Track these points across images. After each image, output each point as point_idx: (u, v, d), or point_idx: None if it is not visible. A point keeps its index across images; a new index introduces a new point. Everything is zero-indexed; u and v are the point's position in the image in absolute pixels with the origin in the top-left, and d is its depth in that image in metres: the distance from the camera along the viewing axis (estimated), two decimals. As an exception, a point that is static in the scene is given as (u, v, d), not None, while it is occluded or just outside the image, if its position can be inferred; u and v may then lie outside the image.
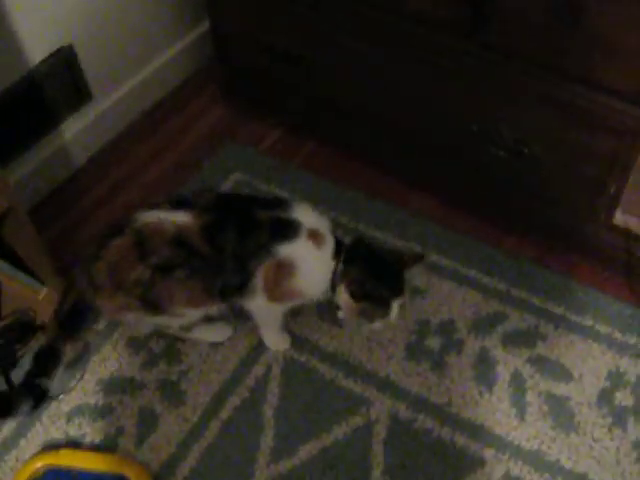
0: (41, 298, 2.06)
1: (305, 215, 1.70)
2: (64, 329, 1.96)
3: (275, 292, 1.71)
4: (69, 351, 1.98)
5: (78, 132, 2.38)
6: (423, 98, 2.01)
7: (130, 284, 1.67)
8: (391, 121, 2.14)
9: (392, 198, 2.28)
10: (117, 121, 2.51)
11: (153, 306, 1.74)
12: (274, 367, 1.92)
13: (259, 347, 1.96)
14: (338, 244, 1.72)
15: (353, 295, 1.66)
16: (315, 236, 1.67)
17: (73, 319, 2.01)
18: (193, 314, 1.81)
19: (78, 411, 1.88)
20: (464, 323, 1.98)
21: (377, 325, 1.72)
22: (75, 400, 1.89)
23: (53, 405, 1.89)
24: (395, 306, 1.67)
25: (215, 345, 1.97)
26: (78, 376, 1.93)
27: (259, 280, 1.69)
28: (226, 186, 2.34)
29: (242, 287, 1.71)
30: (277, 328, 1.93)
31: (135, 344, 1.99)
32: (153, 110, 2.61)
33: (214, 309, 1.81)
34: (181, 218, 1.65)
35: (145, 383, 1.92)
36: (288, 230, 1.65)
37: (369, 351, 1.94)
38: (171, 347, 1.97)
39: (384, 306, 1.67)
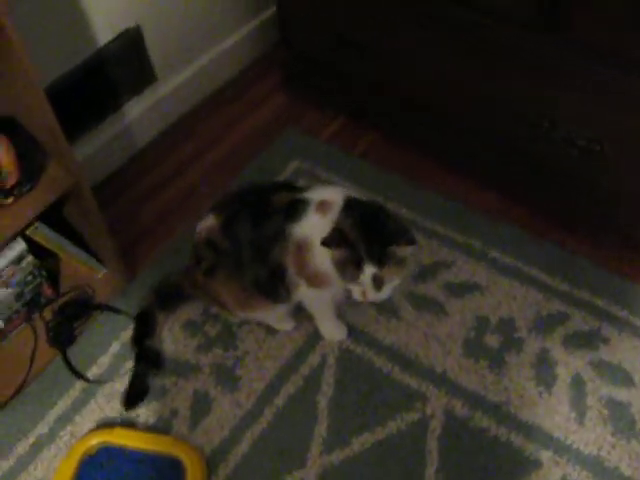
0: (100, 277, 2.07)
1: (319, 191, 1.68)
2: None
3: (308, 275, 1.67)
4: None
5: (141, 113, 2.39)
6: (490, 92, 1.96)
7: (200, 290, 1.85)
8: (456, 115, 2.10)
9: (453, 192, 2.24)
10: (179, 104, 2.51)
11: (225, 308, 1.85)
12: (329, 357, 1.91)
13: (315, 336, 1.94)
14: (348, 205, 1.61)
15: (325, 240, 1.53)
16: (322, 206, 1.62)
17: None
18: (264, 315, 1.88)
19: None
20: (524, 322, 1.94)
21: (354, 290, 1.59)
22: (125, 380, 1.90)
23: (108, 384, 1.90)
24: (367, 273, 1.53)
25: (272, 332, 1.95)
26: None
27: (291, 267, 1.68)
28: (285, 174, 2.33)
29: (278, 279, 1.70)
30: (331, 317, 1.90)
31: (191, 327, 1.99)
32: (215, 94, 2.61)
33: (280, 309, 1.83)
34: (210, 221, 1.74)
35: (200, 367, 1.92)
36: (299, 209, 1.63)
37: (426, 346, 1.91)
38: (227, 331, 1.97)
39: (356, 264, 1.53)
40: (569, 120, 1.84)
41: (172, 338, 1.97)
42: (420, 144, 2.32)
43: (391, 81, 2.19)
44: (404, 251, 1.56)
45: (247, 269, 1.70)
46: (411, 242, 1.55)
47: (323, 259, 1.61)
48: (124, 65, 2.25)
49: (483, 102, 2.00)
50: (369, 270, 1.53)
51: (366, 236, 1.53)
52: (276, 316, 1.90)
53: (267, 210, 1.67)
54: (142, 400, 1.84)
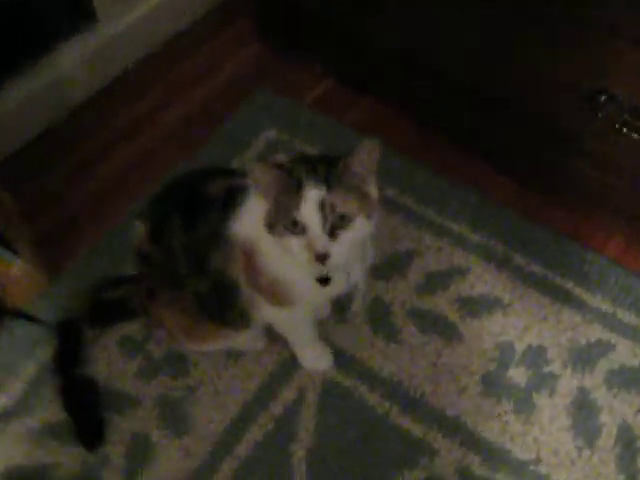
0: (14, 274, 1.60)
1: None
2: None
3: (265, 288, 1.25)
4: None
5: (77, 61, 1.93)
6: (524, 60, 1.53)
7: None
8: (474, 88, 1.66)
9: (462, 177, 1.80)
10: (125, 53, 2.04)
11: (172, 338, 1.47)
12: (309, 392, 1.48)
13: (291, 363, 1.51)
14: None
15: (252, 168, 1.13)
16: None
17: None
18: (221, 346, 1.47)
19: (49, 431, 1.45)
20: (558, 352, 1.53)
21: (294, 245, 1.11)
22: (45, 415, 1.46)
23: (17, 420, 1.44)
24: (311, 197, 1.08)
25: (234, 355, 1.51)
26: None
27: (241, 279, 1.26)
28: (256, 146, 1.87)
29: (226, 297, 1.29)
30: (311, 342, 1.48)
31: (130, 345, 1.55)
32: (170, 43, 2.13)
33: (239, 337, 1.41)
34: (138, 230, 1.34)
35: (140, 399, 1.48)
36: (239, 199, 1.22)
37: (435, 380, 1.49)
38: (176, 353, 1.52)
39: (295, 192, 1.09)
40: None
41: (104, 358, 1.52)
42: (427, 118, 1.87)
43: (400, 41, 1.74)
44: (360, 167, 1.12)
45: (185, 286, 1.30)
46: (360, 148, 1.10)
47: (280, 260, 1.18)
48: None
49: (512, 71, 1.56)
50: (312, 193, 1.08)
51: (307, 159, 1.17)
52: (238, 342, 1.45)
53: (201, 205, 1.26)
54: (102, 434, 1.44)
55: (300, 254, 1.11)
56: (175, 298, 1.33)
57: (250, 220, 1.19)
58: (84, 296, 1.53)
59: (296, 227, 1.09)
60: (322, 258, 1.09)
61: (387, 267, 1.63)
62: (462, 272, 1.64)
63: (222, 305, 1.30)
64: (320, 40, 1.95)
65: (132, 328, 1.56)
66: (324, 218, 1.08)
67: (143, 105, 1.98)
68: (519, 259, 1.66)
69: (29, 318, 1.58)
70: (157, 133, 1.92)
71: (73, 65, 1.90)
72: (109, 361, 1.53)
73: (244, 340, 1.44)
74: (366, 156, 1.10)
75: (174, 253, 1.26)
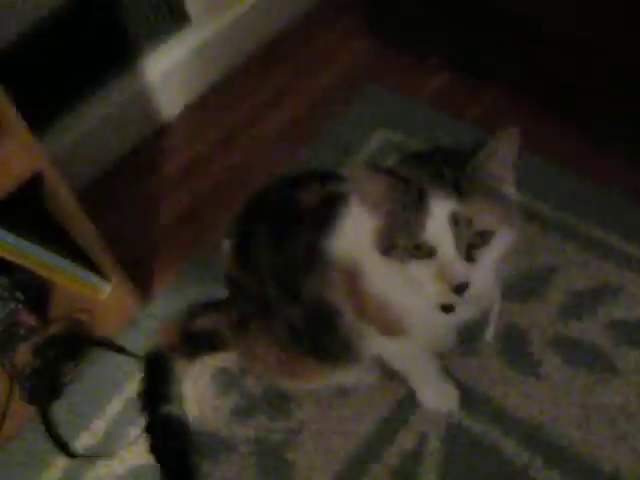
0: (103, 299, 1.46)
1: None
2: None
3: (372, 316, 1.02)
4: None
5: (167, 71, 1.78)
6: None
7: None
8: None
9: (610, 177, 1.51)
10: (221, 56, 1.89)
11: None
12: (431, 438, 1.24)
13: (410, 401, 1.28)
14: None
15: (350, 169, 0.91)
16: None
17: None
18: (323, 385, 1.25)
19: (131, 475, 1.29)
20: None
21: (422, 274, 0.88)
22: (129, 459, 1.29)
23: (102, 462, 1.29)
24: (440, 213, 0.84)
25: (343, 392, 1.29)
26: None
27: (343, 306, 1.04)
28: (368, 148, 1.66)
29: (325, 327, 1.07)
30: (432, 378, 1.25)
31: (225, 380, 1.37)
32: (272, 43, 1.96)
33: (345, 375, 1.20)
34: (226, 249, 1.17)
35: (234, 443, 1.29)
36: (338, 211, 1.00)
37: (585, 424, 1.22)
38: (276, 389, 1.32)
39: (415, 206, 0.85)
40: None
41: (196, 395, 1.34)
42: (563, 110, 1.59)
43: (523, 18, 1.48)
44: (497, 164, 0.88)
45: (276, 314, 1.10)
46: (496, 139, 0.86)
47: (390, 281, 0.95)
48: (142, 3, 1.64)
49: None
50: (441, 205, 0.85)
51: (425, 159, 0.92)
52: (342, 380, 1.23)
53: (292, 218, 1.05)
54: None
55: (429, 284, 0.88)
56: (267, 328, 1.13)
57: (352, 235, 0.98)
58: (174, 325, 1.36)
59: (422, 250, 0.86)
60: (461, 289, 0.86)
61: (523, 286, 1.37)
62: (614, 291, 1.35)
63: (320, 336, 1.09)
64: (432, 27, 1.72)
65: (228, 360, 1.38)
66: (459, 237, 0.85)
67: (241, 111, 1.81)
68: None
69: (118, 350, 1.43)
70: (257, 140, 1.75)
71: (161, 76, 1.76)
72: (201, 398, 1.35)
73: (350, 377, 1.22)
74: (504, 150, 0.87)
75: (262, 275, 1.07)
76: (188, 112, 1.84)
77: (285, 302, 1.07)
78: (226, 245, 1.15)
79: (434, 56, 1.78)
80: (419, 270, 0.88)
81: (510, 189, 0.91)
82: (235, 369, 1.37)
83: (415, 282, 0.90)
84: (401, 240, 0.87)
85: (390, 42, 1.85)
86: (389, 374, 1.25)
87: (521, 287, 1.37)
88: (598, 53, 1.45)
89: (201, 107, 1.84)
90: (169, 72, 1.76)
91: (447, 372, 1.27)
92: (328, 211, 1.00)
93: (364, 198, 0.89)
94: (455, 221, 0.84)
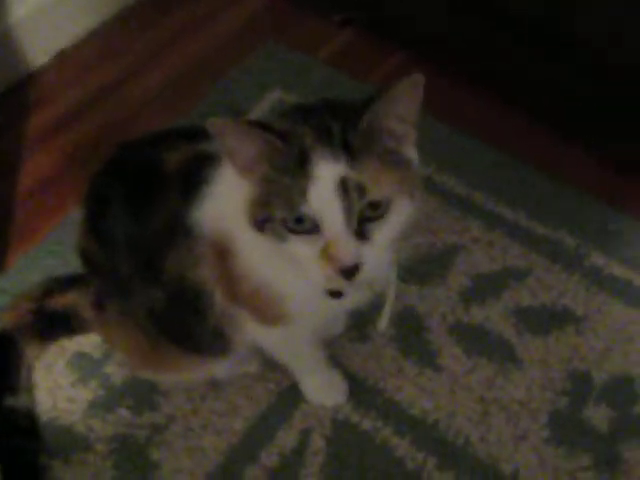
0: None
1: None
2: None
3: (246, 299, 0.87)
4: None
5: (38, 10, 1.56)
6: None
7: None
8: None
9: (522, 151, 1.41)
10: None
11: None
12: (314, 436, 1.11)
13: (292, 396, 1.13)
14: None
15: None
16: None
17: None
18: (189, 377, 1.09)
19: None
20: (651, 384, 1.13)
21: (303, 250, 0.73)
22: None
23: None
24: (325, 177, 0.70)
25: (217, 383, 1.14)
26: None
27: (213, 286, 0.88)
28: (260, 109, 1.49)
29: (191, 310, 0.91)
30: (317, 369, 1.11)
31: (84, 366, 1.18)
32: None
33: (215, 366, 1.04)
34: (80, 219, 0.97)
35: (91, 441, 1.12)
36: (205, 175, 0.84)
37: (484, 421, 1.11)
38: (142, 378, 1.15)
39: (296, 167, 0.71)
40: None
41: (48, 384, 1.16)
42: (485, 77, 1.48)
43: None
44: (396, 120, 0.74)
45: (135, 295, 0.93)
46: (397, 85, 0.71)
47: (267, 259, 0.80)
48: None
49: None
50: (327, 169, 0.71)
51: (309, 111, 0.76)
52: (215, 372, 1.08)
53: (153, 182, 0.88)
54: None
55: (312, 266, 0.73)
56: (126, 311, 0.96)
57: (222, 204, 0.82)
58: (25, 302, 1.17)
59: (303, 224, 0.71)
60: (350, 272, 0.72)
61: (422, 267, 1.25)
62: (520, 275, 1.25)
63: (185, 322, 0.92)
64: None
65: (88, 343, 1.20)
66: (348, 208, 0.70)
67: (121, 62, 1.61)
68: (596, 258, 1.27)
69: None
70: (140, 94, 1.56)
71: (32, 15, 1.54)
72: (54, 388, 1.17)
73: (223, 368, 1.06)
74: (405, 102, 0.72)
75: (117, 250, 0.90)
76: (60, 60, 1.62)
77: (144, 281, 0.90)
78: (79, 214, 0.97)
79: (338, 13, 1.63)
80: (299, 248, 0.73)
81: (411, 150, 0.77)
82: (96, 354, 1.19)
83: (295, 262, 0.75)
84: (277, 211, 0.72)
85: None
86: (270, 364, 1.11)
87: (420, 268, 1.24)
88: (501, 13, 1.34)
89: (75, 55, 1.63)
90: (39, 13, 1.54)
91: (334, 361, 1.14)
92: (195, 174, 0.84)
93: (233, 159, 0.74)
94: (344, 189, 0.70)
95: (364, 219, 0.72)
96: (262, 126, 0.71)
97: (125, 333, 1.00)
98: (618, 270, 1.25)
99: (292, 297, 0.85)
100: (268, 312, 0.88)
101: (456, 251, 1.27)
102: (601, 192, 1.34)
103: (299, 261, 0.74)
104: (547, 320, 1.20)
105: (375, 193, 0.71)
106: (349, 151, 0.70)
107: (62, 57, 1.62)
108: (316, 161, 0.70)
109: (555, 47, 1.35)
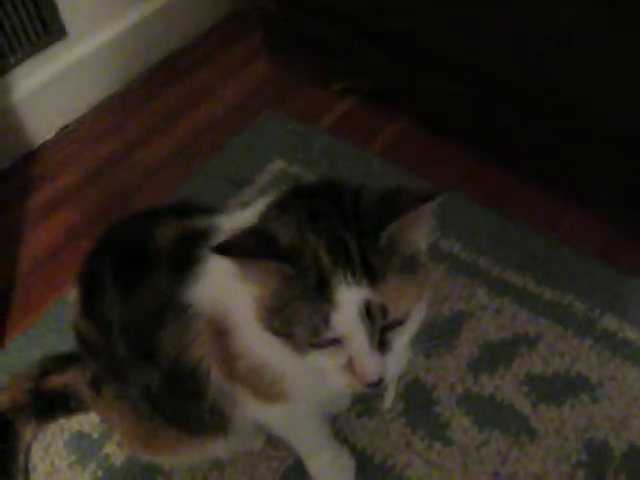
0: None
1: (236, 211, 0.87)
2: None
3: (248, 379, 0.84)
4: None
5: (40, 87, 1.58)
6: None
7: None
8: (537, 94, 1.27)
9: (527, 214, 1.39)
10: (104, 75, 1.70)
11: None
12: (323, 516, 1.05)
13: (297, 474, 1.09)
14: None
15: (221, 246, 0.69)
16: None
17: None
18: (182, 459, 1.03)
19: None
20: (672, 453, 1.08)
21: (329, 368, 0.72)
22: None
23: None
24: (349, 303, 0.67)
25: (219, 464, 1.09)
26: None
27: (211, 365, 0.85)
28: (261, 180, 1.48)
29: (188, 392, 0.87)
30: (322, 446, 1.05)
31: (83, 447, 1.14)
32: (162, 64, 1.80)
33: (215, 448, 0.99)
34: (73, 300, 0.95)
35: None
36: (197, 253, 0.81)
37: (499, 497, 1.05)
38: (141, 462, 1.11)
39: (314, 293, 0.67)
40: None
41: (46, 466, 1.12)
42: (478, 141, 1.46)
43: (431, 39, 1.36)
44: (414, 230, 0.71)
45: (130, 377, 0.90)
46: (425, 198, 0.68)
47: (264, 337, 0.74)
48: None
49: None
50: (350, 296, 0.67)
51: (326, 225, 0.70)
52: (215, 452, 1.03)
53: (143, 259, 0.86)
54: None
55: (334, 374, 0.72)
56: (121, 393, 0.93)
57: (217, 282, 0.79)
58: (22, 381, 1.14)
59: (325, 340, 0.69)
60: (375, 385, 0.71)
61: (429, 337, 1.21)
62: (530, 342, 1.21)
63: (182, 403, 0.89)
64: (335, 50, 1.58)
65: (87, 422, 1.16)
66: (372, 329, 0.68)
67: (123, 136, 1.62)
68: (608, 321, 1.22)
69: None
70: (141, 168, 1.56)
71: (34, 92, 1.55)
72: (52, 470, 1.13)
73: (224, 448, 1.02)
74: (426, 217, 0.71)
75: (111, 331, 0.87)
76: (63, 136, 1.63)
77: (137, 362, 0.88)
78: (73, 292, 0.95)
79: (338, 82, 1.64)
80: (320, 361, 0.71)
81: (423, 251, 0.74)
82: (95, 434, 1.16)
83: (321, 376, 0.72)
84: (298, 331, 0.69)
85: (292, 66, 1.70)
86: (273, 441, 1.07)
87: (426, 338, 1.21)
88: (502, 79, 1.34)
89: (78, 130, 1.64)
90: (41, 90, 1.56)
91: (340, 437, 1.09)
92: (186, 252, 0.82)
93: (243, 276, 0.71)
94: (367, 310, 0.67)
95: (384, 329, 0.69)
96: (266, 244, 0.68)
97: (121, 416, 0.97)
98: (632, 334, 1.21)
99: (292, 376, 0.82)
100: (267, 390, 0.84)
101: (463, 319, 1.23)
102: (608, 254, 1.31)
103: (319, 370, 0.72)
104: (560, 388, 1.15)
105: (397, 311, 0.69)
106: (370, 272, 0.67)
107: (65, 133, 1.64)
108: (336, 286, 0.66)
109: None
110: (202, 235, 0.81)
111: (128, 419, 0.96)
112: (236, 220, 0.80)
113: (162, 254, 0.84)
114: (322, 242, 0.68)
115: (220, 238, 0.77)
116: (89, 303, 0.90)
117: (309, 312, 0.67)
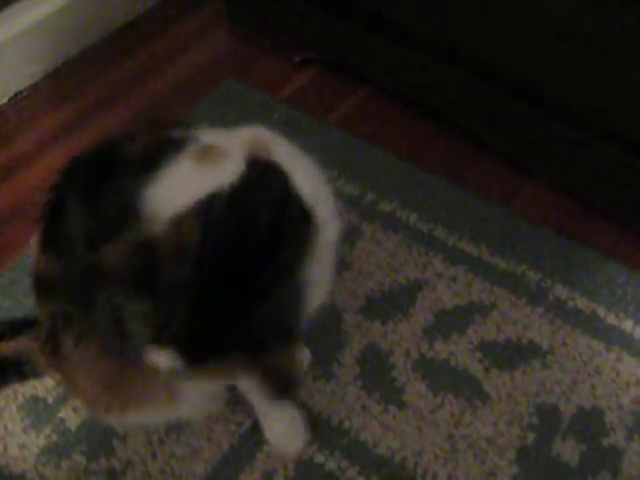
0: None
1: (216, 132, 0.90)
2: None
3: None
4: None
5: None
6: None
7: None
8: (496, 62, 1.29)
9: (482, 187, 1.41)
10: (60, 41, 1.65)
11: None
12: (278, 478, 1.06)
13: (254, 436, 1.09)
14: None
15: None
16: (206, 155, 0.83)
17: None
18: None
19: None
20: (619, 417, 1.12)
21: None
22: None
23: None
24: None
25: (176, 426, 1.09)
26: None
27: None
28: (221, 149, 1.47)
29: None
30: (279, 410, 1.06)
31: (37, 410, 1.13)
32: (120, 32, 1.75)
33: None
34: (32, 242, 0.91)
35: (43, 489, 1.06)
36: (163, 160, 0.80)
37: (452, 459, 1.08)
38: (98, 421, 1.10)
39: None
40: None
41: (0, 428, 1.11)
42: (439, 112, 1.48)
43: (394, 10, 1.36)
44: None
45: (97, 296, 0.84)
46: None
47: None
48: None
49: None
50: None
51: None
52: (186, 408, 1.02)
53: (109, 171, 0.83)
54: None
55: None
56: (87, 329, 0.90)
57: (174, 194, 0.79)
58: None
59: None
60: None
61: (385, 303, 1.23)
62: (484, 309, 1.23)
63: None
64: (296, 20, 1.57)
65: (42, 387, 1.15)
66: None
67: (77, 105, 1.59)
68: (560, 290, 1.26)
69: None
70: (98, 135, 1.52)
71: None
72: (5, 434, 1.11)
73: (192, 404, 1.00)
74: None
75: (75, 249, 0.83)
76: (17, 101, 1.59)
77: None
78: (33, 240, 0.92)
79: (299, 53, 1.63)
80: None
81: None
82: (49, 398, 1.14)
83: None
84: None
85: (253, 36, 1.69)
86: (230, 403, 1.07)
87: (383, 304, 1.23)
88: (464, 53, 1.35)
89: (33, 96, 1.60)
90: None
91: (297, 400, 1.10)
92: (158, 156, 0.81)
93: None
94: None
95: None
96: None
97: (84, 365, 0.94)
98: (582, 302, 1.24)
99: None
100: None
101: (419, 287, 1.25)
102: (562, 226, 1.34)
103: None
104: (513, 354, 1.18)
105: None
106: None
107: (20, 98, 1.60)
108: None
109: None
110: (177, 143, 0.81)
111: (93, 364, 0.91)
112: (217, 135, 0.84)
113: (133, 161, 0.82)
114: None
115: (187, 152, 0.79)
116: (50, 235, 0.87)
117: None
